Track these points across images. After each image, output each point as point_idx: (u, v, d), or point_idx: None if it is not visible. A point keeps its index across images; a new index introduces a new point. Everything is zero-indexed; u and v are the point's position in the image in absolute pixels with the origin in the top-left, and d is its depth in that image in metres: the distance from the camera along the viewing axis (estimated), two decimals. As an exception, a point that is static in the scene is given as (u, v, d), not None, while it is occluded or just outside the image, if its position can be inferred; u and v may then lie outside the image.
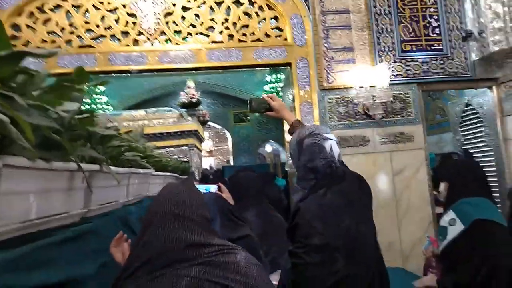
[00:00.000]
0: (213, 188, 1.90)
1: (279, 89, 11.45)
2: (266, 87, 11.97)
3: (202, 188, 1.95)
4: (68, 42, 3.55)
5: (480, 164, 1.79)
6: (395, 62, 4.04)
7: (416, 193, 3.89)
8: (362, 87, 3.81)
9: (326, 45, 3.91)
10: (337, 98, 3.89)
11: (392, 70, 4.02)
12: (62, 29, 3.53)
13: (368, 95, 3.81)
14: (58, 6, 3.51)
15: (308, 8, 3.93)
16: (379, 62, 3.99)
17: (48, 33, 3.50)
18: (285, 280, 1.32)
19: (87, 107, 11.38)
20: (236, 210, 1.76)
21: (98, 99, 11.79)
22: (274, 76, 11.92)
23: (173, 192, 1.02)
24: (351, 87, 3.86)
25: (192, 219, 0.93)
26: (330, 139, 1.44)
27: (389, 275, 1.40)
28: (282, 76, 10.54)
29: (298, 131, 1.53)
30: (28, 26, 3.45)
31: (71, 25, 3.55)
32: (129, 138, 2.11)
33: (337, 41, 3.94)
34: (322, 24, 3.92)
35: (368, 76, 3.84)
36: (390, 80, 3.89)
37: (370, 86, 3.81)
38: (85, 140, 1.63)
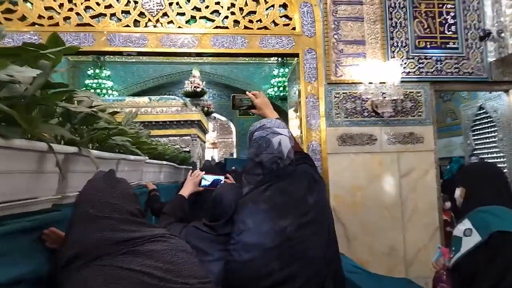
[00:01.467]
0: (220, 178, 1.91)
1: (286, 83, 11.27)
2: (273, 81, 11.79)
3: (210, 178, 1.89)
4: (66, 19, 3.39)
5: (502, 170, 1.61)
6: (407, 58, 3.85)
7: (423, 197, 3.72)
8: (371, 83, 3.63)
9: (336, 37, 3.72)
10: (345, 93, 3.71)
11: (404, 67, 3.82)
12: (61, 5, 3.37)
13: (378, 91, 3.63)
14: (57, -20, 3.35)
15: (320, -4, 3.73)
16: (391, 57, 3.80)
17: (45, 8, 3.34)
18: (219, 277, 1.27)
19: (92, 91, 11.29)
20: None
21: (103, 84, 11.71)
22: (281, 70, 11.74)
23: (92, 193, 1.07)
24: (360, 83, 3.67)
25: (111, 217, 0.99)
26: (281, 134, 1.39)
27: (393, 286, 1.28)
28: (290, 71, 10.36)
29: (252, 125, 1.48)
30: (25, 0, 3.30)
31: (70, 1, 3.38)
32: (114, 121, 1.95)
33: (348, 33, 3.75)
34: (333, 14, 3.73)
35: (378, 72, 3.65)
36: (402, 77, 3.69)
37: (380, 83, 3.63)
38: (64, 119, 1.48)
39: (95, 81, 11.44)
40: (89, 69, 11.47)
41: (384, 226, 3.64)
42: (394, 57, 3.80)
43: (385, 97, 3.61)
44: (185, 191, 1.85)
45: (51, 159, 1.26)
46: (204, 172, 1.92)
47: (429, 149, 3.80)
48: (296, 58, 3.88)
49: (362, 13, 3.78)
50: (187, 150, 8.13)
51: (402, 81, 3.68)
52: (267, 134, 1.37)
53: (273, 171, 1.32)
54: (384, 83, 3.62)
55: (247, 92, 1.74)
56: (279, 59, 11.45)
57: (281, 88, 11.56)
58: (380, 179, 3.68)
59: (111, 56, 11.73)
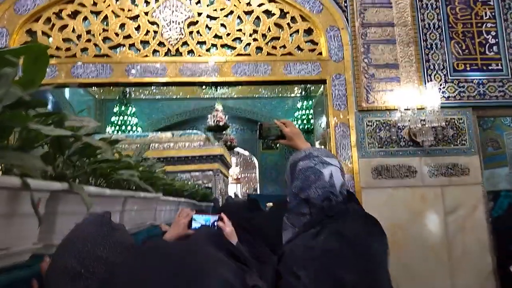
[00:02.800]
0: (213, 219, 1.51)
1: (310, 116, 11.05)
2: (297, 114, 11.58)
3: (201, 219, 1.53)
4: (84, 50, 3.29)
5: None
6: (446, 82, 3.52)
7: (472, 237, 3.25)
8: (408, 109, 3.30)
9: (366, 60, 3.46)
10: (378, 121, 3.38)
11: (443, 91, 3.49)
12: (79, 37, 3.28)
13: (415, 118, 3.29)
14: (76, 12, 3.28)
15: (347, 20, 3.52)
16: (428, 81, 3.48)
17: (63, 40, 3.26)
18: None
19: (116, 128, 11.40)
20: (241, 249, 1.36)
21: (128, 120, 11.83)
22: (305, 102, 11.55)
23: (76, 241, 0.84)
24: (394, 109, 3.35)
25: (95, 274, 0.78)
26: (332, 164, 1.13)
27: None
28: (315, 102, 10.13)
29: (294, 153, 1.23)
30: (43, 33, 3.23)
31: (88, 32, 3.30)
32: (118, 153, 1.70)
33: (379, 57, 3.48)
34: (362, 37, 3.49)
35: (415, 97, 3.33)
36: (441, 103, 3.35)
37: (418, 109, 3.29)
38: (54, 149, 1.24)
39: (121, 118, 11.57)
40: (115, 106, 11.64)
41: (429, 270, 3.19)
42: (431, 80, 3.48)
43: (424, 124, 3.26)
44: (171, 236, 1.48)
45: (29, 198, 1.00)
46: (194, 211, 1.58)
47: (476, 182, 3.37)
48: (322, 85, 3.63)
49: (394, 35, 3.52)
50: (209, 186, 7.88)
51: (442, 107, 3.33)
52: (316, 164, 1.11)
53: (323, 210, 1.04)
54: (422, 109, 3.28)
55: (275, 121, 1.49)
56: (303, 92, 11.30)
57: (305, 121, 11.32)
58: (423, 217, 3.26)
59: (137, 93, 11.95)
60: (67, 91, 9.63)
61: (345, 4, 3.55)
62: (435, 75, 3.52)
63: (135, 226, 2.03)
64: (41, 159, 1.19)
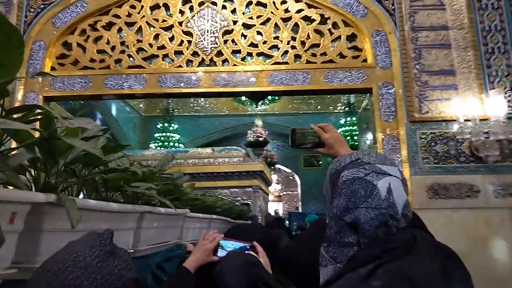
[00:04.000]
0: (244, 246, 1.26)
1: (355, 133, 10.61)
2: (340, 130, 11.17)
3: (229, 245, 1.28)
4: (118, 61, 3.24)
5: None
6: (512, 89, 3.08)
7: (551, 270, 2.75)
8: (468, 120, 2.91)
9: (417, 67, 3.11)
10: (433, 133, 3.01)
11: (509, 100, 3.05)
12: (113, 48, 3.24)
13: (477, 131, 2.89)
14: (111, 23, 3.25)
15: (395, 24, 3.21)
16: (490, 89, 3.07)
17: (97, 51, 3.23)
18: None
19: (159, 144, 11.61)
20: (276, 281, 1.07)
21: (171, 137, 12.04)
22: (349, 119, 11.13)
23: (58, 267, 0.63)
24: (452, 120, 2.98)
25: None
26: (390, 174, 0.79)
27: None
28: (358, 117, 9.71)
29: (337, 159, 0.90)
30: (78, 44, 3.22)
31: (122, 43, 3.25)
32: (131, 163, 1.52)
33: (432, 63, 3.13)
34: (412, 42, 3.16)
35: (475, 107, 2.96)
36: (507, 113, 2.92)
37: (480, 120, 2.90)
38: (45, 153, 1.06)
39: (164, 134, 11.79)
40: (159, 123, 11.89)
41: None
42: (494, 88, 3.06)
43: (487, 137, 2.86)
44: (192, 263, 1.24)
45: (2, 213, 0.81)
46: (222, 235, 1.32)
47: (552, 205, 2.88)
48: (367, 98, 3.32)
49: (449, 39, 3.16)
50: (248, 203, 7.66)
51: (508, 117, 2.91)
52: (367, 174, 0.79)
53: (378, 240, 0.74)
54: (485, 120, 2.90)
55: (311, 125, 1.21)
56: (347, 107, 10.90)
57: (348, 138, 10.86)
58: (488, 244, 2.82)
59: (180, 110, 12.16)
60: (113, 109, 9.96)
61: (393, 7, 3.25)
62: (498, 82, 3.10)
63: (155, 245, 1.82)
64: (26, 163, 1.02)
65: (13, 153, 0.96)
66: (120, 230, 1.43)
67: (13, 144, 0.96)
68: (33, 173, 1.05)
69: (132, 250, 1.54)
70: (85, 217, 1.07)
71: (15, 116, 0.86)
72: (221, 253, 1.26)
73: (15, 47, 0.76)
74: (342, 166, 0.83)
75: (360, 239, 0.74)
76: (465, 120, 2.90)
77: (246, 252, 1.21)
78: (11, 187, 0.97)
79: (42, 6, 3.15)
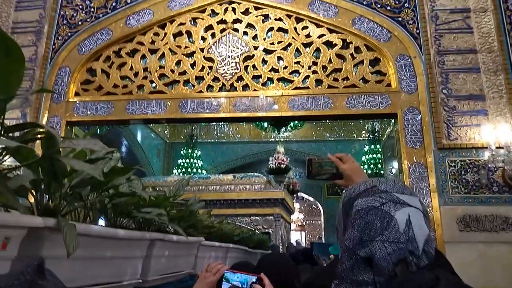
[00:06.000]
0: (251, 279, 1.16)
1: (379, 161, 10.34)
2: (364, 158, 10.92)
3: (234, 278, 1.19)
4: (140, 87, 3.29)
5: None
6: (549, 115, 2.90)
7: None
8: (500, 147, 2.75)
9: (445, 91, 3.00)
10: (463, 161, 2.85)
11: (546, 126, 2.87)
12: (136, 74, 3.30)
13: (511, 159, 2.70)
14: (134, 50, 3.33)
15: (420, 47, 3.13)
16: (524, 115, 2.90)
17: (121, 77, 3.29)
18: None
19: (182, 170, 11.68)
20: None
21: (194, 163, 12.11)
22: (372, 146, 10.88)
23: None
24: (483, 147, 2.82)
25: None
26: (409, 205, 0.71)
27: None
28: (383, 145, 9.48)
29: (351, 186, 0.82)
30: (102, 70, 3.30)
31: (145, 69, 3.30)
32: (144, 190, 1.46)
33: (460, 87, 3.00)
34: (438, 66, 3.06)
35: (508, 133, 2.77)
36: (544, 140, 2.73)
37: (514, 146, 2.72)
38: (48, 174, 1.02)
39: (187, 160, 11.86)
40: (182, 149, 12.01)
41: None
42: (528, 114, 2.89)
43: (523, 166, 2.66)
44: None
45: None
46: (227, 267, 1.22)
47: None
48: (391, 124, 3.20)
49: (478, 63, 3.04)
50: (269, 231, 7.47)
51: (546, 145, 2.72)
52: (383, 204, 0.71)
53: (397, 279, 0.64)
54: (520, 147, 2.70)
55: (328, 155, 1.13)
56: (371, 134, 10.70)
57: (372, 166, 10.58)
58: (528, 284, 2.57)
59: (203, 137, 12.30)
60: (139, 135, 10.17)
61: (417, 31, 3.18)
62: (533, 107, 2.93)
63: (166, 274, 1.74)
64: (29, 184, 0.99)
65: (15, 173, 0.93)
66: (127, 258, 1.36)
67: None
68: (36, 195, 1.00)
69: (140, 280, 1.46)
70: (89, 243, 1.02)
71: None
72: (225, 286, 1.17)
73: (15, 64, 0.73)
74: (356, 194, 0.76)
75: (376, 277, 0.65)
76: (497, 148, 2.74)
77: (252, 285, 1.12)
78: (13, 210, 0.93)
79: (69, 34, 3.27)
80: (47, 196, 1.02)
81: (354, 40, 3.23)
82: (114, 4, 3.34)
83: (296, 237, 14.11)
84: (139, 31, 3.35)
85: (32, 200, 1.01)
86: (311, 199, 13.60)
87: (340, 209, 0.81)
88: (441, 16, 3.16)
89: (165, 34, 3.38)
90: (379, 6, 3.18)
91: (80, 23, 3.31)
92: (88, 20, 3.31)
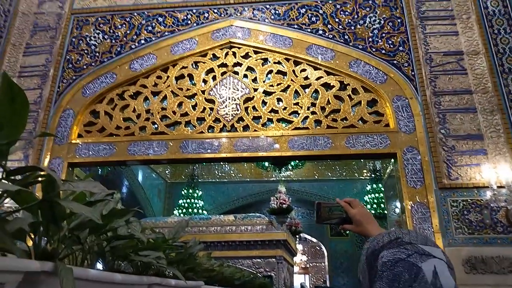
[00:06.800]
0: None
1: (381, 200, 10.23)
2: (367, 198, 10.81)
3: None
4: (142, 128, 3.34)
5: None
6: (548, 154, 2.91)
7: None
8: (502, 187, 2.73)
9: (443, 131, 3.03)
10: (465, 200, 2.82)
11: (546, 165, 2.87)
12: (138, 116, 3.36)
13: (513, 197, 2.68)
14: (137, 93, 3.42)
15: (416, 89, 3.21)
16: (523, 154, 2.91)
17: (123, 119, 3.35)
18: None
19: (183, 210, 11.55)
20: None
21: (195, 203, 11.98)
22: (374, 186, 10.81)
23: None
24: (485, 186, 2.80)
25: None
26: (434, 256, 0.71)
27: None
28: (384, 184, 9.43)
29: (373, 238, 0.84)
30: (106, 112, 3.37)
31: (147, 111, 3.37)
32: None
33: (458, 127, 3.04)
34: (435, 106, 3.11)
35: (508, 172, 2.76)
36: (546, 178, 2.72)
37: (515, 186, 2.70)
38: (46, 217, 1.02)
39: (188, 200, 11.75)
40: (183, 189, 11.93)
41: None
42: (527, 152, 2.91)
43: (526, 205, 2.64)
44: None
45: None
46: None
47: None
48: (392, 164, 3.22)
49: (473, 103, 3.10)
50: (271, 274, 7.25)
51: (547, 183, 2.70)
52: (410, 256, 0.72)
53: None
54: (521, 186, 2.69)
55: (337, 200, 1.15)
56: (372, 174, 10.66)
57: (375, 206, 10.45)
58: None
59: (204, 177, 12.26)
60: (140, 175, 10.15)
61: (413, 73, 3.27)
62: (531, 146, 2.95)
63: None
64: (27, 227, 0.98)
65: (15, 215, 0.93)
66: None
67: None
68: (34, 238, 1.00)
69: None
70: None
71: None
72: None
73: (20, 110, 0.76)
74: (380, 245, 0.76)
75: None
76: (499, 187, 2.72)
77: None
78: (10, 254, 0.93)
79: (74, 77, 3.37)
80: (45, 239, 1.02)
81: (351, 82, 3.31)
82: (119, 49, 3.48)
83: (300, 280, 13.68)
84: (142, 74, 3.45)
85: (30, 243, 1.01)
86: (314, 240, 13.29)
87: (363, 261, 0.81)
88: (435, 59, 3.26)
89: (168, 77, 3.48)
90: (374, 50, 3.30)
91: (85, 67, 3.42)
92: (93, 64, 3.43)
